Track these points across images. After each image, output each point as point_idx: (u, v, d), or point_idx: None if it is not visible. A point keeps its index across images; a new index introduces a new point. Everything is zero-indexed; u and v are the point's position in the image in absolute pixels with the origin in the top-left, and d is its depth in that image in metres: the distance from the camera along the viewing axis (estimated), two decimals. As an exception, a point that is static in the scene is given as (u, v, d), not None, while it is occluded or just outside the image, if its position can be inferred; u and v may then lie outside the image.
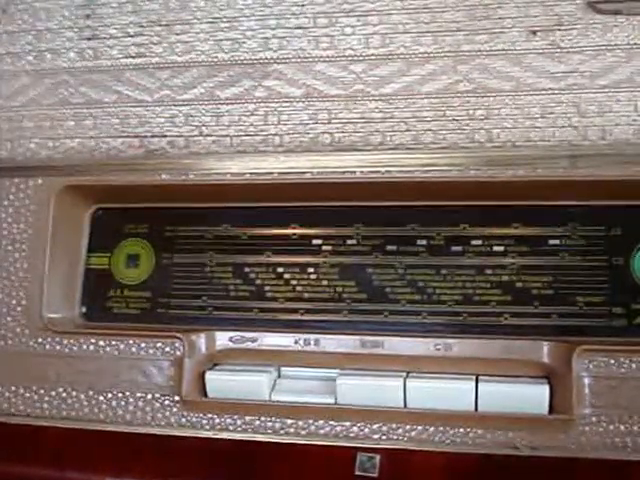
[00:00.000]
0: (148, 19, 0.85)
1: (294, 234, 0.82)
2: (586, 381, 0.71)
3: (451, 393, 0.74)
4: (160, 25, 0.85)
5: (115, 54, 0.86)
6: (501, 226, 0.78)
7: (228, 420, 0.78)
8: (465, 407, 0.73)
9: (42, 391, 0.82)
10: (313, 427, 0.76)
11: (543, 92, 0.76)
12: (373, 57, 0.79)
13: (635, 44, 0.74)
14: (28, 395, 0.82)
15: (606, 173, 0.73)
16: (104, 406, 0.80)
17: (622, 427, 0.70)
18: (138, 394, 0.80)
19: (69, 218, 0.85)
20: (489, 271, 0.78)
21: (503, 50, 0.77)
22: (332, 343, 0.78)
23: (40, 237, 0.84)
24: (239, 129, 0.82)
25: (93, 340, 0.82)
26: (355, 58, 0.80)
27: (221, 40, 0.83)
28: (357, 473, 0.73)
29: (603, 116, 0.75)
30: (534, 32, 0.76)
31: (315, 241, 0.82)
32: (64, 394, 0.81)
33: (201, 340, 0.80)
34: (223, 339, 0.80)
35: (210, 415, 0.78)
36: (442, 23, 0.78)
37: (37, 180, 0.85)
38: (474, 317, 0.77)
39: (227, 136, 0.82)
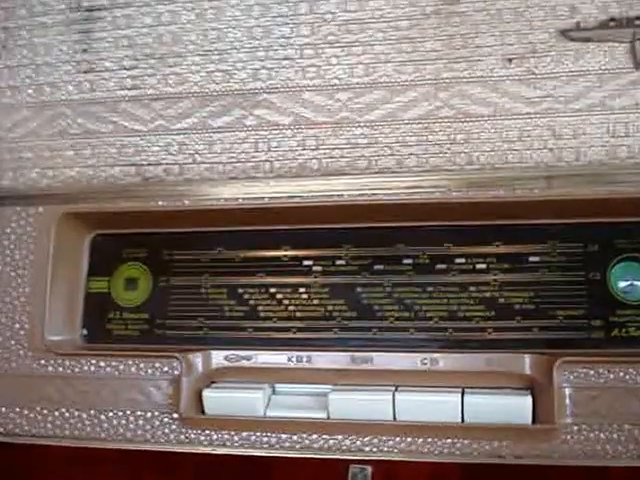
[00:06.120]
0: (142, 52, 0.90)
1: (285, 256, 0.87)
2: (567, 391, 0.76)
3: (438, 406, 0.78)
4: (154, 58, 0.89)
5: (111, 86, 0.90)
6: (483, 244, 0.83)
7: (225, 436, 0.82)
8: (452, 419, 0.77)
9: (45, 411, 0.86)
10: (307, 441, 0.80)
11: (520, 116, 0.80)
12: (358, 86, 0.84)
13: (606, 69, 0.79)
14: (32, 415, 0.86)
15: (581, 192, 0.78)
16: (105, 425, 0.85)
17: (602, 435, 0.75)
18: (138, 412, 0.84)
19: (69, 244, 0.89)
20: (473, 288, 0.82)
21: (481, 77, 0.82)
22: (324, 360, 0.83)
23: (42, 263, 0.88)
24: (231, 156, 0.87)
25: (94, 361, 0.86)
26: (340, 87, 0.85)
27: (212, 72, 0.88)
28: (350, 484, 0.78)
29: (577, 138, 0.79)
30: (510, 60, 0.81)
31: (306, 262, 0.86)
32: (66, 414, 0.86)
33: (198, 359, 0.84)
34: (219, 358, 0.85)
35: (208, 431, 0.82)
36: (423, 52, 0.83)
37: (38, 208, 0.89)
38: (459, 332, 0.82)
39: (220, 163, 0.87)
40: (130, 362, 0.85)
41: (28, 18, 0.93)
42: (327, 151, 0.84)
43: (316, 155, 0.84)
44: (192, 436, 0.82)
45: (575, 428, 0.75)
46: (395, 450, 0.78)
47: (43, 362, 0.87)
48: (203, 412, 0.83)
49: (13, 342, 0.88)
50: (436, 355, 0.80)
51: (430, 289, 0.83)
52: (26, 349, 0.87)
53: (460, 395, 0.78)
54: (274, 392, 0.84)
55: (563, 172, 0.79)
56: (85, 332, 0.90)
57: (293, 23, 0.86)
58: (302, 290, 0.86)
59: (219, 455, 0.82)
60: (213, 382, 0.85)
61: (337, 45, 0.85)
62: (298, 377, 0.83)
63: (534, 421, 0.76)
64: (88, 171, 0.90)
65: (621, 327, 0.79)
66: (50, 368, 0.86)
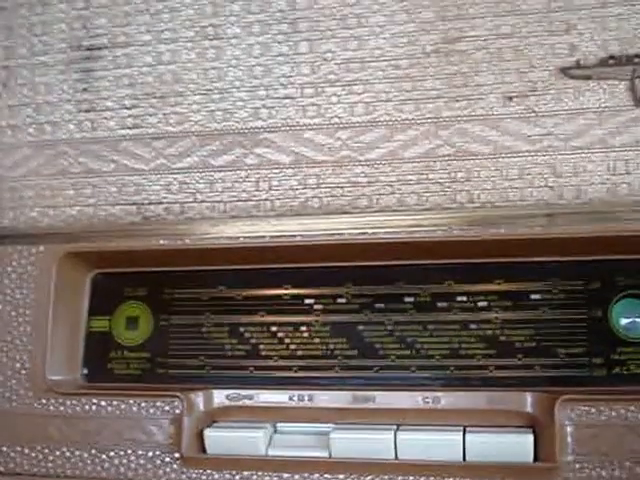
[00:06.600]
0: (143, 91, 0.91)
1: (286, 294, 0.87)
2: (569, 429, 0.76)
3: (440, 444, 0.78)
4: (155, 97, 0.90)
5: (112, 125, 0.91)
6: (484, 282, 0.83)
7: (227, 475, 0.82)
8: (454, 457, 0.77)
9: (46, 451, 0.86)
10: None
11: (520, 154, 0.81)
12: (358, 124, 0.85)
13: (606, 107, 0.80)
14: (33, 455, 0.86)
15: (582, 230, 0.78)
16: (107, 464, 0.85)
17: (604, 473, 0.75)
18: (139, 452, 0.84)
19: (70, 283, 0.90)
20: (474, 326, 0.83)
21: (481, 115, 0.82)
22: (325, 399, 0.83)
23: (43, 302, 0.88)
24: (232, 195, 0.87)
25: (95, 401, 0.86)
26: (341, 125, 0.85)
27: (213, 111, 0.89)
28: (352, 524, 0.79)
29: (578, 176, 0.80)
30: (510, 98, 0.82)
31: (307, 300, 0.87)
32: (68, 453, 0.86)
33: (199, 399, 0.84)
34: (220, 397, 0.85)
35: (209, 471, 0.82)
36: (423, 91, 0.84)
37: (39, 247, 0.90)
38: (460, 370, 0.82)
39: (221, 202, 0.88)
40: (131, 401, 0.85)
41: (29, 57, 0.94)
42: (328, 190, 0.85)
43: (317, 194, 0.85)
44: (193, 476, 0.82)
45: (577, 466, 0.75)
46: (397, 489, 0.79)
47: (44, 401, 0.87)
48: (204, 451, 0.83)
49: (14, 381, 0.88)
50: (438, 393, 0.80)
51: (431, 327, 0.83)
52: (27, 388, 0.88)
53: (462, 433, 0.78)
54: (276, 431, 0.84)
55: (564, 210, 0.79)
56: (86, 371, 0.90)
57: (293, 62, 0.87)
58: (303, 329, 0.86)
59: (221, 494, 0.82)
60: (214, 421, 0.85)
61: (337, 84, 0.86)
62: (300, 416, 0.84)
63: (536, 459, 0.76)
64: (89, 210, 0.91)
65: (622, 365, 0.79)
66: (51, 407, 0.87)
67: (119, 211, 0.90)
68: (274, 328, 0.87)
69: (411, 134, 0.84)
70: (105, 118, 0.91)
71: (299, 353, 0.86)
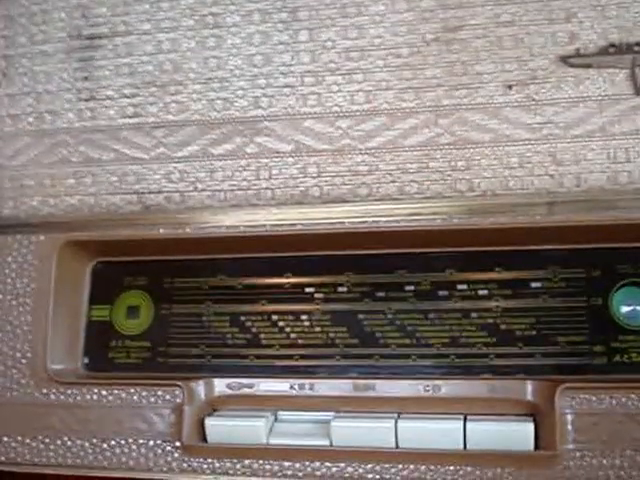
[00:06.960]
0: (143, 80, 0.91)
1: (287, 283, 0.87)
2: (569, 418, 0.76)
3: (440, 433, 0.78)
4: (155, 86, 0.90)
5: (112, 114, 0.91)
6: (485, 271, 0.83)
7: (228, 464, 0.82)
8: (454, 446, 0.78)
9: (47, 440, 0.86)
10: (310, 469, 0.81)
11: (520, 143, 0.81)
12: (358, 113, 0.85)
13: (606, 95, 0.80)
14: (34, 444, 0.87)
15: (582, 218, 0.79)
16: (108, 453, 0.85)
17: (604, 461, 0.75)
18: (140, 441, 0.85)
19: (71, 272, 0.90)
20: (474, 314, 0.83)
21: (481, 104, 0.83)
22: (326, 387, 0.83)
23: (43, 291, 0.89)
24: (232, 184, 0.87)
25: (96, 390, 0.86)
26: (341, 114, 0.86)
27: (213, 99, 0.89)
28: (353, 511, 0.79)
29: (578, 164, 0.80)
30: (510, 86, 0.82)
31: (308, 289, 0.87)
32: (69, 442, 0.86)
33: (200, 387, 0.85)
34: (221, 386, 0.85)
35: (210, 460, 0.83)
36: (423, 79, 0.84)
37: (39, 236, 0.90)
38: (461, 359, 0.82)
39: (221, 191, 0.88)
40: (132, 390, 0.85)
41: (29, 46, 0.94)
42: (328, 178, 0.85)
43: (317, 183, 0.85)
44: (194, 464, 0.83)
45: (577, 454, 0.75)
46: (398, 478, 0.79)
47: (45, 391, 0.87)
48: (205, 440, 0.83)
49: (15, 371, 0.88)
50: (438, 382, 0.81)
51: (432, 316, 0.83)
52: (28, 378, 0.88)
53: (462, 422, 0.78)
54: (276, 420, 0.84)
55: (564, 198, 0.80)
56: (87, 360, 0.90)
57: (294, 51, 0.87)
58: (304, 317, 0.86)
59: (221, 483, 0.82)
60: (215, 410, 0.85)
61: (338, 73, 0.86)
62: (300, 405, 0.84)
63: (536, 447, 0.77)
64: (89, 199, 0.91)
65: (623, 353, 0.79)
66: (52, 397, 0.87)
67: (119, 200, 0.90)
68: (275, 317, 0.87)
69: (411, 122, 0.84)
70: (105, 107, 0.91)
71: (300, 342, 0.86)
